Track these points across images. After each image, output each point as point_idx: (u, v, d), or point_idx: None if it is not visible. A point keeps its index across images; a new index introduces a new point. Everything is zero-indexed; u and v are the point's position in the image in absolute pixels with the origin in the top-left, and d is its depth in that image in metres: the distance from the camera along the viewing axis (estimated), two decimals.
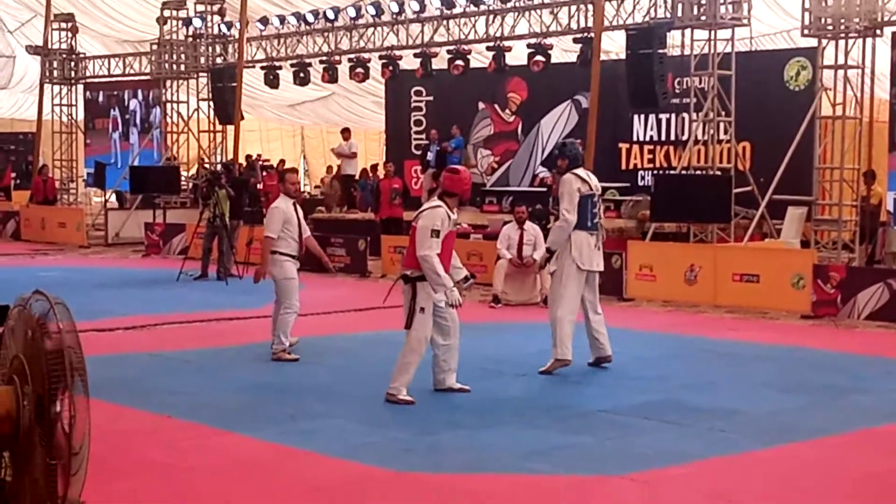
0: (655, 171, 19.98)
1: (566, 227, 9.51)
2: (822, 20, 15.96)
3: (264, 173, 26.97)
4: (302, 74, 22.95)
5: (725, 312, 13.77)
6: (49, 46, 27.39)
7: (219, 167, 21.34)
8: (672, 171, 18.83)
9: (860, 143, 16.66)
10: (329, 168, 29.95)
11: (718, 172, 16.90)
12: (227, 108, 23.39)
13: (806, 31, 16.33)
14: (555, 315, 9.53)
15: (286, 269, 10.36)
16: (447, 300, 8.37)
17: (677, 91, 19.01)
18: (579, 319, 9.70)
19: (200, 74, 25.02)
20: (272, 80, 23.64)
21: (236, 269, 16.87)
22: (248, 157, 28.79)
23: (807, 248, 16.05)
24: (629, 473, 6.45)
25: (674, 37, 17.59)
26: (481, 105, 23.39)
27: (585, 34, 18.12)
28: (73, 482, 4.34)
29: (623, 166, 21.01)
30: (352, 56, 21.82)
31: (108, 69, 27.39)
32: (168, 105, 25.67)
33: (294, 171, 12.22)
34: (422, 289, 8.33)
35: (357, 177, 24.79)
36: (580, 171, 9.74)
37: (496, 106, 23.25)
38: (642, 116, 20.62)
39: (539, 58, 19.11)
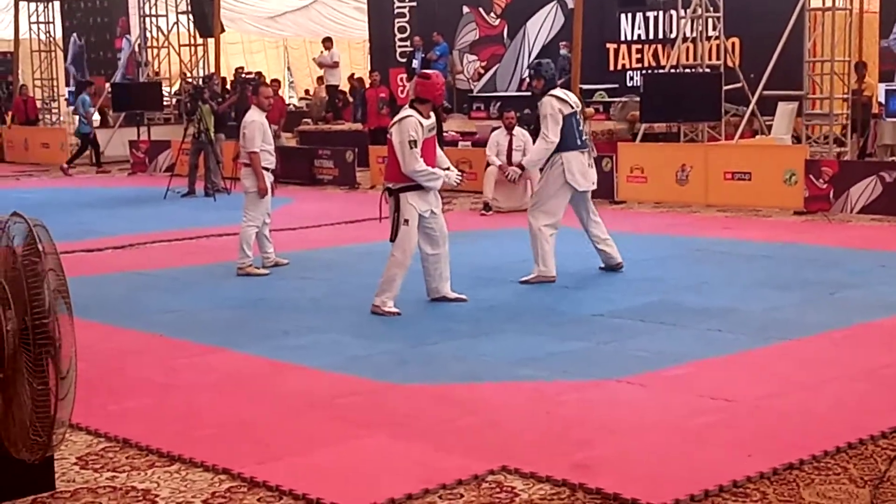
0: (644, 71, 19.73)
1: (548, 149, 9.24)
2: None
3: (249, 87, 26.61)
4: None
5: (718, 211, 13.70)
6: None
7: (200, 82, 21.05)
8: (661, 71, 18.61)
9: (850, 35, 16.43)
10: (319, 80, 29.55)
11: (708, 70, 16.68)
12: (206, 20, 22.97)
13: None
14: (535, 229, 9.32)
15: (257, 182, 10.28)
16: (450, 182, 8.39)
17: None
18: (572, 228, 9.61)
19: None
20: None
21: (224, 185, 16.73)
22: (239, 70, 28.28)
23: (798, 144, 15.93)
24: (626, 377, 6.41)
25: None
26: (466, 9, 23.01)
27: None
28: (62, 406, 4.27)
29: (611, 67, 20.76)
30: None
31: None
32: (147, 19, 25.21)
33: (268, 84, 12.09)
34: (405, 201, 8.21)
35: (340, 86, 24.52)
36: (557, 92, 9.44)
37: (481, 9, 22.87)
38: (629, 15, 20.31)
39: None
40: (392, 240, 8.30)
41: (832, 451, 4.98)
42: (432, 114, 8.44)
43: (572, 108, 9.40)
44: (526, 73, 21.71)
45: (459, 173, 8.67)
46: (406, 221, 8.23)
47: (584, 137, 9.52)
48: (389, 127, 8.45)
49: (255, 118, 10.35)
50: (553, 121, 9.23)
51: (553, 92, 9.41)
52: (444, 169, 8.54)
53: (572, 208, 9.63)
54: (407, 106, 8.52)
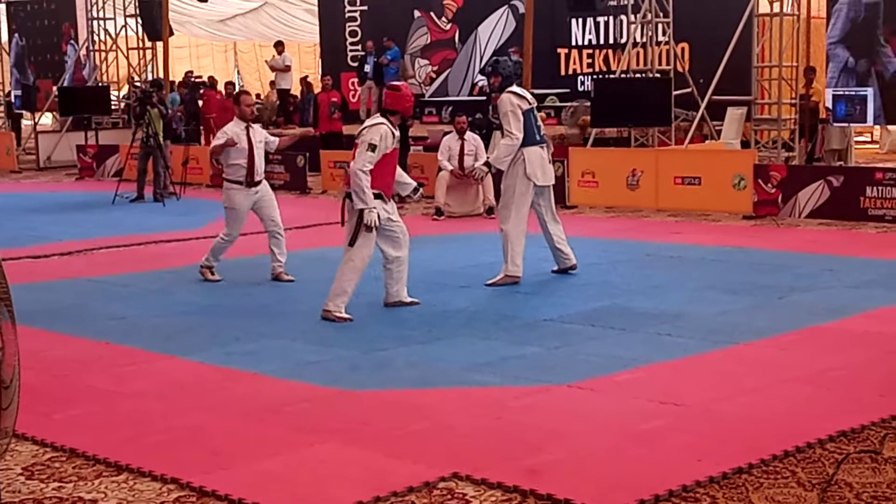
0: (595, 76, 19.84)
1: (514, 145, 9.35)
2: None
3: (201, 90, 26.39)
4: None
5: (668, 216, 13.79)
6: None
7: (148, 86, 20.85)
8: (611, 76, 18.72)
9: (798, 40, 16.64)
10: (271, 84, 29.43)
11: (658, 75, 16.81)
12: (155, 23, 22.77)
13: None
14: (506, 230, 9.44)
15: (229, 196, 10.08)
16: (366, 220, 8.09)
17: None
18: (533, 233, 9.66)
19: None
20: None
21: (174, 189, 16.59)
22: (188, 74, 28.04)
23: (747, 149, 16.08)
24: (577, 382, 6.43)
25: None
26: (417, 13, 23.02)
27: None
28: (6, 416, 4.21)
29: (562, 72, 20.85)
30: None
31: None
32: (94, 22, 24.94)
33: (248, 93, 11.94)
34: None
35: (291, 90, 24.42)
36: (514, 88, 9.60)
37: (432, 14, 22.89)
38: (580, 20, 20.42)
39: None
40: (350, 245, 8.26)
41: (781, 455, 5.02)
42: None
43: (529, 104, 9.55)
44: (478, 79, 21.82)
45: (377, 219, 8.17)
46: (368, 228, 8.21)
47: (541, 133, 9.65)
48: (360, 131, 8.44)
49: (227, 129, 10.08)
50: (514, 117, 9.35)
51: (510, 89, 9.54)
52: (408, 193, 8.76)
53: (532, 206, 9.66)
54: (379, 115, 8.56)
